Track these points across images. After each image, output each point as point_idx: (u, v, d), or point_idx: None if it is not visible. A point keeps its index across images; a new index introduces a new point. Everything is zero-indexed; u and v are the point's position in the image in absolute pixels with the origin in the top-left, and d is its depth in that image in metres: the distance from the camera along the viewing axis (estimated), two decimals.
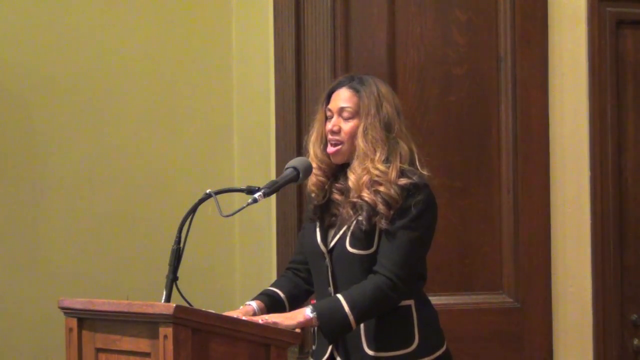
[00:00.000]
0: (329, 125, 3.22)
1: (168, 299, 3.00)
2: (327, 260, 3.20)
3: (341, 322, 3.04)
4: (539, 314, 4.31)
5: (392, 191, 3.09)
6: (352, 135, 3.18)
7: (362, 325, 3.13)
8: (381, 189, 3.10)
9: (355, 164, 3.17)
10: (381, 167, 3.12)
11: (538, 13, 4.34)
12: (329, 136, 3.22)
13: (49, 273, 4.63)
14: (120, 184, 4.75)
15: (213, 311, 2.85)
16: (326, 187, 3.24)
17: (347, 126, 3.20)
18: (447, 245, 4.24)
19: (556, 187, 4.35)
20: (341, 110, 3.21)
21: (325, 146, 3.24)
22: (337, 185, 3.23)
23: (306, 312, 3.05)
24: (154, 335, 2.78)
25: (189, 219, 3.06)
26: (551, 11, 4.36)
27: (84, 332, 2.98)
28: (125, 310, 2.84)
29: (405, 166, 3.15)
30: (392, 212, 3.09)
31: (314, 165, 3.22)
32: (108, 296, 3.33)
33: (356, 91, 3.20)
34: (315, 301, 3.18)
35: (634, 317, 4.44)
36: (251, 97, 4.85)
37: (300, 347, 4.20)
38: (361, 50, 4.26)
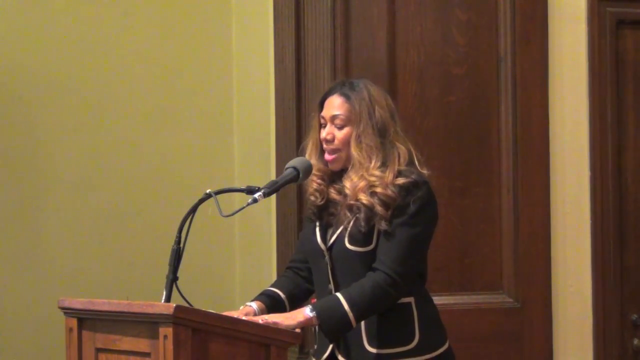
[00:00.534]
0: (323, 134, 3.22)
1: (168, 299, 3.00)
2: (327, 258, 3.20)
3: (341, 320, 3.04)
4: (539, 314, 4.31)
5: (389, 191, 3.09)
6: (347, 143, 3.17)
7: (363, 323, 3.13)
8: (378, 190, 3.10)
9: (351, 172, 3.16)
10: (377, 172, 3.12)
11: (538, 13, 4.34)
12: (324, 145, 3.22)
13: (49, 273, 4.63)
14: (121, 183, 4.75)
15: (213, 311, 2.85)
16: (325, 190, 3.24)
17: (340, 134, 3.19)
18: (447, 245, 4.24)
19: (556, 187, 4.35)
20: (333, 118, 3.20)
21: (322, 153, 3.24)
22: (335, 186, 3.23)
23: (306, 312, 3.05)
24: (154, 335, 2.78)
25: (189, 219, 3.06)
26: (551, 11, 4.36)
27: (84, 332, 2.98)
28: (125, 310, 2.84)
29: (402, 167, 3.15)
30: (390, 212, 3.09)
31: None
32: (108, 296, 3.33)
33: (347, 98, 3.18)
34: (315, 300, 3.18)
35: (634, 317, 4.44)
36: (251, 97, 4.85)
37: (300, 347, 4.20)
38: (361, 50, 4.26)
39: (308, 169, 3.20)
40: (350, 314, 3.04)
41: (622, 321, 4.42)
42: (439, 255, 4.15)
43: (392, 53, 4.27)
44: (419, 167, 3.18)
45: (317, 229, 3.24)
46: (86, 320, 2.98)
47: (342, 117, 3.18)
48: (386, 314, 3.13)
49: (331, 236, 3.20)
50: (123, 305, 2.85)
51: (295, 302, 3.29)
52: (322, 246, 3.21)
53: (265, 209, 4.52)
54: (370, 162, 3.13)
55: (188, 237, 3.04)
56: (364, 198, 3.11)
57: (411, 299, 3.16)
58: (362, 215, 3.11)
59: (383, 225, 3.09)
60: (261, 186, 3.13)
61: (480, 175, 4.32)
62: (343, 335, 3.15)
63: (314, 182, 3.24)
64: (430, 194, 3.15)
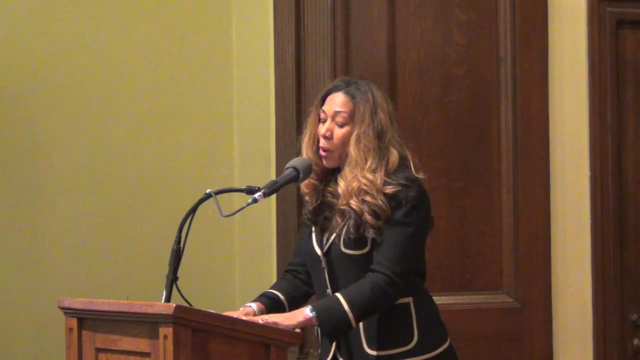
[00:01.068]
0: (322, 129, 3.21)
1: (168, 299, 3.00)
2: (324, 262, 3.20)
3: (341, 320, 3.04)
4: (539, 314, 4.31)
5: (379, 201, 3.09)
6: (344, 142, 3.17)
7: (361, 325, 3.13)
8: (367, 198, 3.10)
9: (346, 170, 3.16)
10: (369, 175, 3.11)
11: (538, 13, 4.34)
12: (321, 140, 3.21)
13: (49, 273, 4.63)
14: (121, 183, 4.75)
15: (213, 311, 2.85)
16: (319, 189, 3.24)
17: (339, 132, 3.19)
18: (447, 245, 4.24)
19: (556, 187, 4.35)
20: (335, 114, 3.19)
21: (318, 148, 3.23)
22: (329, 188, 3.22)
23: (306, 312, 3.05)
24: (154, 335, 2.78)
25: (189, 219, 3.06)
26: (551, 11, 4.36)
27: (84, 332, 2.99)
28: (125, 310, 2.84)
29: (391, 171, 3.14)
30: (380, 222, 3.09)
31: None
32: (108, 296, 3.34)
33: (352, 97, 3.18)
34: None
35: (634, 317, 4.44)
36: (251, 97, 4.85)
37: (300, 347, 4.20)
38: (361, 50, 4.26)
39: (308, 169, 3.20)
40: (350, 314, 3.04)
41: (622, 321, 4.42)
42: (439, 255, 4.15)
43: (392, 53, 4.27)
44: (414, 172, 3.17)
45: (313, 234, 3.24)
46: (86, 320, 2.98)
47: (344, 115, 3.18)
48: (384, 315, 3.13)
49: (327, 241, 3.20)
50: (123, 305, 2.85)
51: (295, 304, 3.28)
52: (319, 251, 3.21)
53: (265, 209, 4.52)
54: (366, 163, 3.13)
55: (188, 237, 3.04)
56: (354, 203, 3.11)
57: (409, 299, 3.16)
58: (351, 222, 3.12)
59: (371, 234, 3.10)
60: (261, 186, 3.13)
61: (480, 175, 4.32)
62: (343, 336, 3.15)
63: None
64: (421, 192, 3.15)
